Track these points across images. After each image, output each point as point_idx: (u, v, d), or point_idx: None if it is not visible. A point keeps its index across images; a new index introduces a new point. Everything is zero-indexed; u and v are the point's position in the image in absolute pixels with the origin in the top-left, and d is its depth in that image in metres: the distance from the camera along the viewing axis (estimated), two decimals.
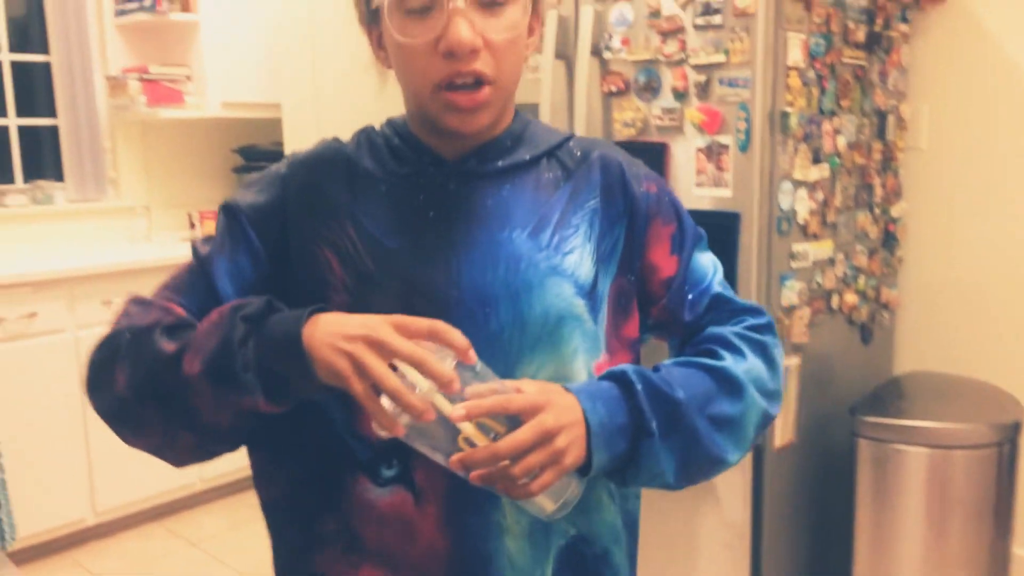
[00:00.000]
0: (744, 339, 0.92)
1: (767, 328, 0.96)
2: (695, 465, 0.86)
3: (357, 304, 0.84)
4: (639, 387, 0.83)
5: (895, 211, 2.56)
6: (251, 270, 0.89)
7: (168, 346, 0.80)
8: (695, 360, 0.90)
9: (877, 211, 2.47)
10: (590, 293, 0.90)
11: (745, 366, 0.90)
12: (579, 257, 0.90)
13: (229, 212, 0.90)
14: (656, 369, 0.88)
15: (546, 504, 0.79)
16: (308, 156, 0.93)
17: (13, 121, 3.46)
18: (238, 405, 0.78)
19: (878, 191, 2.46)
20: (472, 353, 0.74)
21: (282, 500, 0.92)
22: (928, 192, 2.61)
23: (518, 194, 0.90)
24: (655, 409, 0.83)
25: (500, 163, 0.90)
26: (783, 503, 2.21)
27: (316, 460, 0.88)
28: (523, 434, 0.74)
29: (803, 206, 2.13)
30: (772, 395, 0.93)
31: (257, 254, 0.89)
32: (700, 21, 2.01)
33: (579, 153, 0.95)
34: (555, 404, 0.77)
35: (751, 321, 0.95)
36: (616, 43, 2.17)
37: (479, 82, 0.82)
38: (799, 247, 2.13)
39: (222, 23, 3.44)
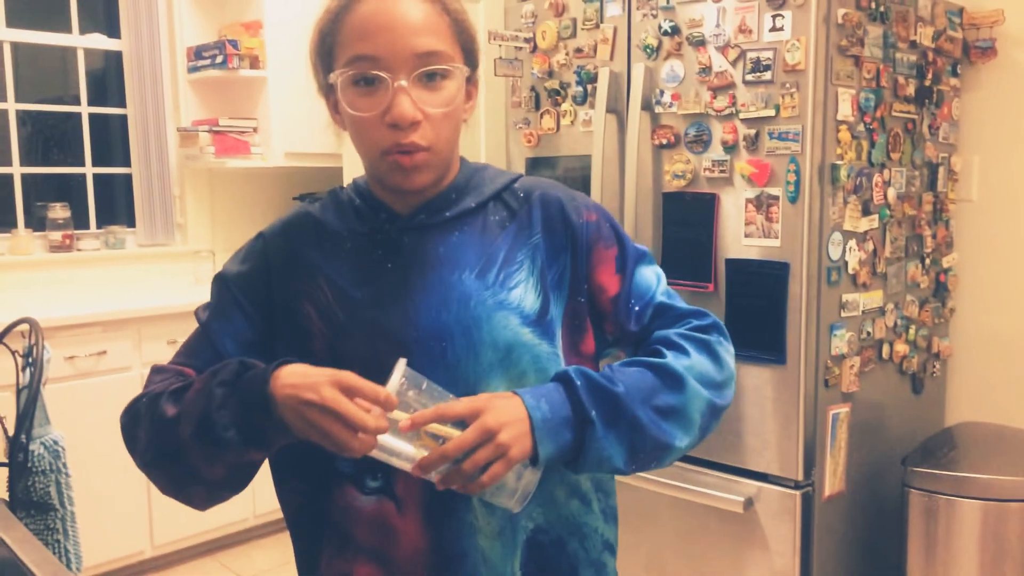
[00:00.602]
0: (686, 338, 1.03)
1: (711, 327, 1.07)
2: (643, 451, 0.96)
3: (333, 350, 0.98)
4: (579, 383, 0.93)
5: (946, 262, 2.57)
6: (247, 329, 1.02)
7: (170, 410, 0.93)
8: (639, 360, 1.00)
9: (928, 262, 2.48)
10: (538, 320, 1.01)
11: (687, 362, 1.00)
12: (523, 291, 1.01)
13: (221, 282, 1.05)
14: (603, 370, 0.98)
15: (505, 497, 0.90)
16: (283, 225, 1.06)
17: (90, 170, 3.65)
18: (229, 459, 0.91)
19: (929, 242, 2.48)
20: (391, 400, 0.85)
21: (293, 513, 1.06)
22: (979, 243, 2.61)
23: (466, 239, 1.01)
24: (595, 401, 0.93)
25: (447, 213, 1.02)
26: (832, 553, 2.20)
27: (311, 475, 1.01)
28: (466, 434, 0.85)
29: (853, 256, 2.15)
30: (719, 385, 1.03)
31: (249, 315, 1.02)
32: (750, 77, 2.08)
33: (522, 194, 1.06)
34: (495, 407, 0.88)
35: (695, 323, 1.06)
36: (667, 98, 2.24)
37: (417, 147, 0.94)
38: (849, 297, 2.16)
39: (288, 79, 3.61)
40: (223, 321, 1.02)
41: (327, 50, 0.97)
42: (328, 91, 1.00)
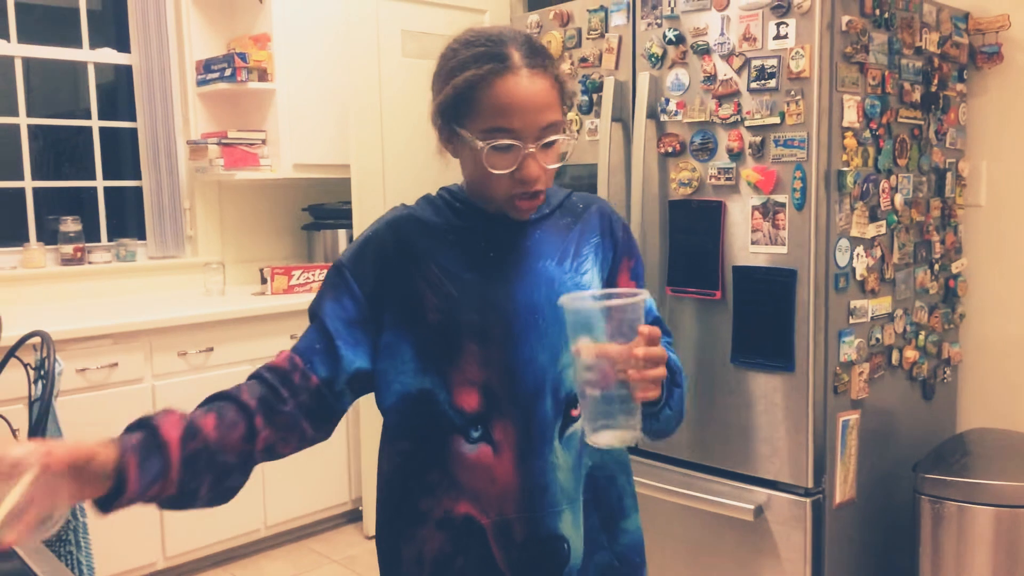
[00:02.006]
0: (669, 347, 1.27)
1: (671, 345, 1.32)
2: (676, 418, 1.23)
3: (447, 318, 1.19)
4: (671, 355, 1.21)
5: (955, 267, 2.56)
6: (353, 310, 1.19)
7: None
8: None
9: (937, 267, 2.48)
10: None
11: (679, 364, 1.28)
12: (591, 276, 1.26)
13: (337, 269, 1.23)
14: None
15: (634, 422, 1.06)
16: (391, 220, 1.26)
17: (100, 183, 3.68)
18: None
19: (937, 248, 2.47)
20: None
21: (394, 468, 1.25)
22: (988, 248, 2.61)
23: (545, 236, 1.25)
24: (674, 373, 1.19)
25: (530, 216, 1.26)
26: (843, 561, 2.19)
27: (428, 429, 1.20)
28: (658, 350, 1.07)
29: (860, 263, 2.15)
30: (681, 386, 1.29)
31: (357, 298, 1.20)
32: (755, 85, 2.08)
33: (581, 205, 1.31)
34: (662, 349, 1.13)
35: (668, 340, 1.30)
36: (672, 106, 2.25)
37: (536, 194, 1.19)
38: (857, 303, 2.15)
39: (296, 91, 3.63)
40: (335, 303, 1.20)
41: (458, 102, 1.15)
42: (448, 129, 1.18)
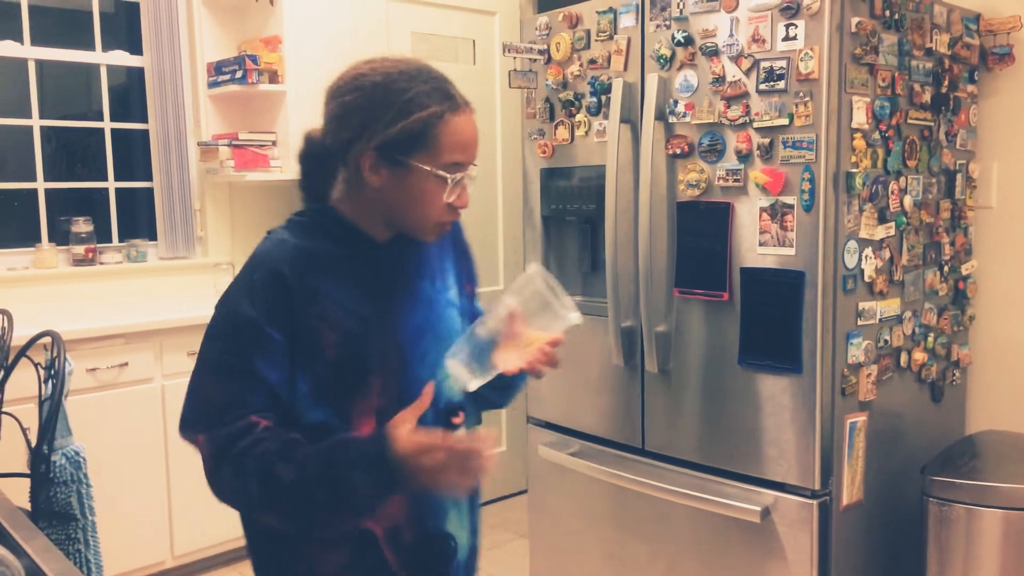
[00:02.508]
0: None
1: None
2: (497, 405, 1.43)
3: (348, 355, 1.21)
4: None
5: (965, 269, 2.55)
6: (283, 358, 1.19)
7: (286, 474, 1.14)
8: None
9: (946, 269, 2.47)
10: (459, 309, 1.37)
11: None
12: (454, 291, 1.36)
13: (250, 324, 1.19)
14: None
15: (476, 377, 1.22)
16: (281, 257, 1.23)
17: (112, 184, 3.70)
18: (348, 525, 1.24)
19: (947, 249, 2.46)
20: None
21: None
22: (999, 250, 2.59)
23: (421, 258, 1.32)
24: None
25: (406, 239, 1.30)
26: (850, 563, 2.18)
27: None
28: (556, 355, 1.29)
29: (869, 264, 2.14)
30: None
31: (282, 345, 1.19)
32: (764, 86, 2.08)
33: None
34: None
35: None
36: (680, 108, 2.25)
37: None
38: (866, 305, 2.15)
39: (307, 93, 3.65)
40: (267, 358, 1.18)
41: (413, 137, 1.19)
42: (390, 160, 1.21)
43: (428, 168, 1.19)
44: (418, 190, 1.21)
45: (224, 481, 1.17)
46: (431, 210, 1.22)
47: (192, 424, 1.20)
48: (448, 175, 1.20)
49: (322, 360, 1.19)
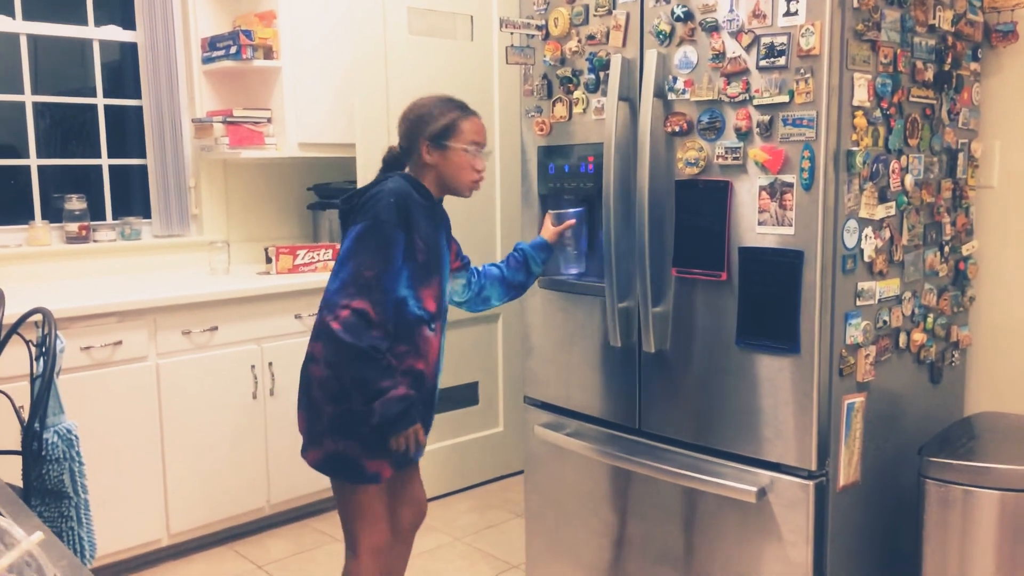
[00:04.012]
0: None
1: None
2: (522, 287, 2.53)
3: (428, 260, 2.10)
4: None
5: (966, 249, 2.53)
6: (401, 254, 2.04)
7: (384, 383, 2.00)
8: None
9: (947, 249, 2.45)
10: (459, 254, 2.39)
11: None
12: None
13: (391, 228, 2.01)
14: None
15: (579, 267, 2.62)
16: (405, 196, 2.05)
17: (105, 161, 3.67)
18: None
19: (948, 229, 2.44)
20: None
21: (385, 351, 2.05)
22: (1000, 230, 2.57)
23: (446, 214, 2.26)
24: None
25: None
26: (847, 544, 2.18)
27: (406, 321, 2.07)
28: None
29: (869, 244, 2.12)
30: None
31: (402, 245, 2.04)
32: (764, 63, 2.05)
33: None
34: None
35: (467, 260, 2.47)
36: (680, 85, 2.22)
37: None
38: (865, 285, 2.13)
39: (302, 69, 3.61)
40: (397, 249, 2.01)
41: (447, 130, 2.11)
42: (438, 145, 2.11)
43: (460, 146, 2.10)
44: (455, 162, 2.12)
45: (361, 337, 1.93)
46: (465, 172, 2.14)
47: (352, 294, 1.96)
48: (471, 149, 2.12)
49: (415, 259, 2.05)
